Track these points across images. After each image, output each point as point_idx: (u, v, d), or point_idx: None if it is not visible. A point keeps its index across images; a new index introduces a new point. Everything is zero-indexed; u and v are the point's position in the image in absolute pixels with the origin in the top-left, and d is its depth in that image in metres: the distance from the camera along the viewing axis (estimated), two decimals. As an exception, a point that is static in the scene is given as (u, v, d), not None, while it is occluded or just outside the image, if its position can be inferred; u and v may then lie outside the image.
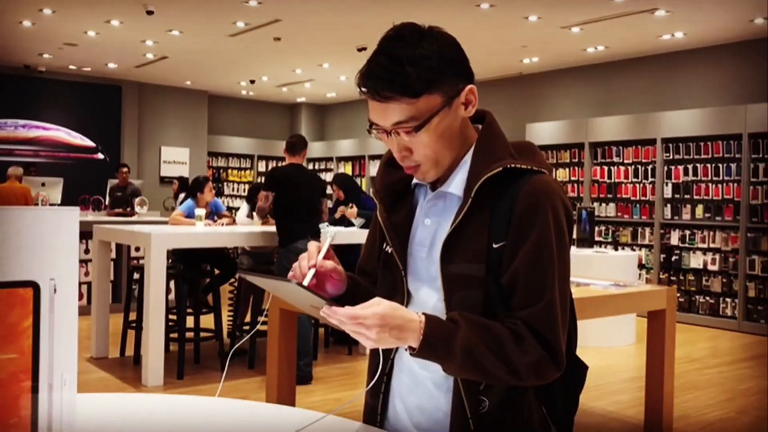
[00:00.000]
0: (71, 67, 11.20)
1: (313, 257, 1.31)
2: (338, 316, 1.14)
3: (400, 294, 1.36)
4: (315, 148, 14.43)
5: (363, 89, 1.24)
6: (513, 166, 1.27)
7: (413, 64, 1.20)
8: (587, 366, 1.41)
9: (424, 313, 1.20)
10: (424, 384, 1.34)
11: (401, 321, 1.15)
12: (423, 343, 1.17)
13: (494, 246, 1.26)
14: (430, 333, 1.17)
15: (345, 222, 6.42)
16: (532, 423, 1.30)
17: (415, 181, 1.39)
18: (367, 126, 1.29)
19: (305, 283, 1.28)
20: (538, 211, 1.25)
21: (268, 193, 5.08)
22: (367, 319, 1.13)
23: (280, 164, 6.55)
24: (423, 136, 1.24)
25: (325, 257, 1.33)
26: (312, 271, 1.30)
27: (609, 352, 6.17)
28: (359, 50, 8.97)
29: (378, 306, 1.15)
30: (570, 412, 1.37)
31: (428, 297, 1.34)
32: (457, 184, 1.31)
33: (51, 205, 8.29)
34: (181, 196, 7.63)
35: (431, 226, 1.35)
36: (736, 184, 7.67)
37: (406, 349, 1.21)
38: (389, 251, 1.38)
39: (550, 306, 1.23)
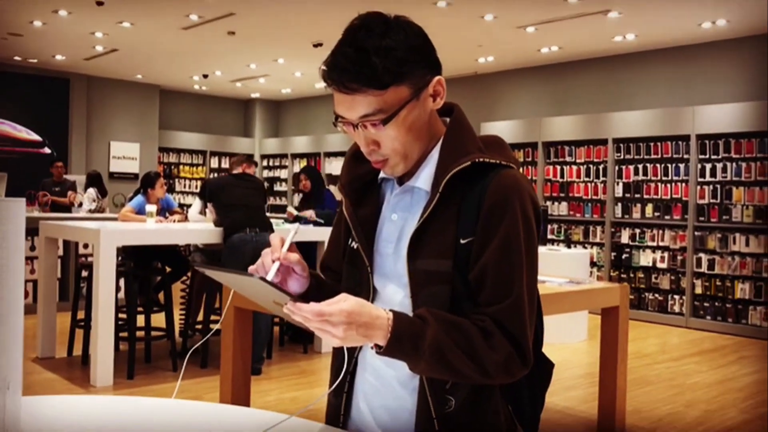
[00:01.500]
0: (16, 58, 10.83)
1: (276, 250, 1.25)
2: (303, 313, 1.09)
3: (365, 290, 1.32)
4: (269, 145, 14.27)
5: (328, 81, 1.20)
6: (481, 160, 1.25)
7: (380, 55, 1.16)
8: (553, 363, 1.40)
9: (391, 310, 1.16)
10: (390, 383, 1.31)
11: (368, 318, 1.11)
12: (390, 340, 1.13)
13: (462, 241, 1.23)
14: (398, 330, 1.14)
15: (302, 220, 6.35)
16: (498, 422, 1.28)
17: (381, 175, 1.36)
18: (332, 119, 1.25)
19: (269, 277, 1.22)
20: (506, 206, 1.22)
21: (210, 204, 5.32)
22: (333, 316, 1.08)
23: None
24: (391, 129, 1.21)
25: (289, 251, 1.28)
26: (276, 265, 1.24)
27: (562, 349, 6.25)
28: (315, 46, 8.89)
29: (345, 302, 1.10)
30: (536, 411, 1.36)
31: (394, 293, 1.30)
32: (424, 179, 1.29)
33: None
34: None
35: (398, 222, 1.31)
36: (684, 184, 7.85)
37: (372, 347, 1.17)
38: (355, 247, 1.35)
39: (518, 302, 1.21)
